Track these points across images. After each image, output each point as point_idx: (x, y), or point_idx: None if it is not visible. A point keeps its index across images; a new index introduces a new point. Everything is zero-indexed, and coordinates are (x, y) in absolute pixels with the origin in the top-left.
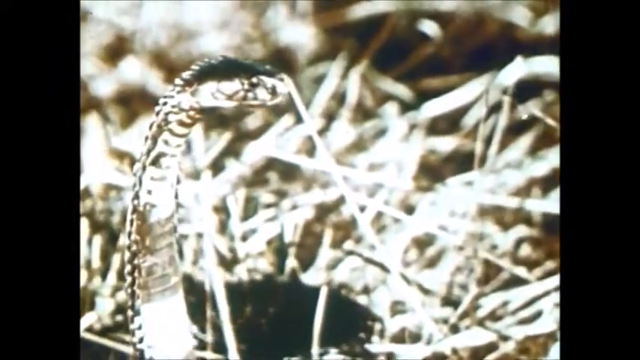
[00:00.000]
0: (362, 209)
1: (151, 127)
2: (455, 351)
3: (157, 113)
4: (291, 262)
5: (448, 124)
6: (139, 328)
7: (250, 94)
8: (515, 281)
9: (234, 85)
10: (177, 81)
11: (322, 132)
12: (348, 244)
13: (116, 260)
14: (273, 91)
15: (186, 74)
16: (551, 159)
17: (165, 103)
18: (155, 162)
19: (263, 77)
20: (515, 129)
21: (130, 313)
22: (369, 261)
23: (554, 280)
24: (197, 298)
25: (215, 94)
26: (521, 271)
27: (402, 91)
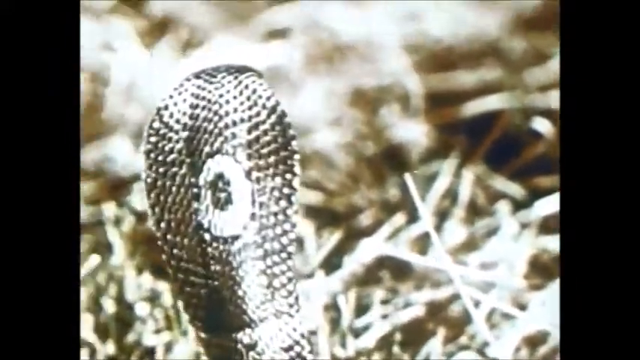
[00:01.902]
0: (476, 305)
1: None
2: None
3: None
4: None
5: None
6: None
7: None
8: None
9: None
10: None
11: (435, 230)
12: (462, 340)
13: None
14: None
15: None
16: None
17: None
18: None
19: None
20: None
21: None
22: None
23: None
24: None
25: None
26: None
27: (515, 189)
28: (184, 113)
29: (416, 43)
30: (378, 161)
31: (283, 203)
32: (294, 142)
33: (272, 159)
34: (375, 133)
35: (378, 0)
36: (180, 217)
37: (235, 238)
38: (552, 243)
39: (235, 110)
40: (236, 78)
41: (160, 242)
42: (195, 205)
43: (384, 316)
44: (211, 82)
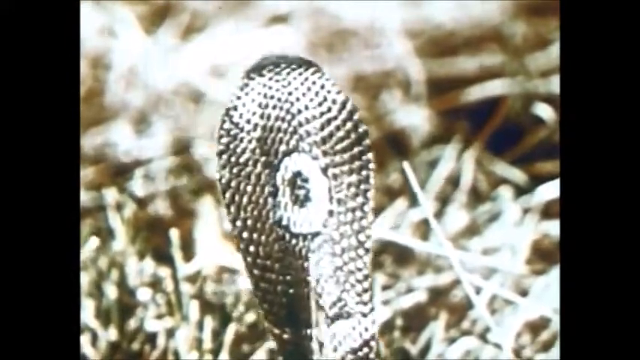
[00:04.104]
0: (477, 291)
1: None
2: None
3: None
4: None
5: None
6: None
7: None
8: None
9: None
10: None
11: (437, 215)
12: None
13: (227, 341)
14: None
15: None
16: None
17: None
18: None
19: None
20: None
21: None
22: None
23: None
24: None
25: None
26: None
27: (516, 174)
28: (254, 113)
29: (417, 29)
30: (380, 147)
31: (360, 199)
32: (367, 138)
33: (347, 155)
34: (377, 118)
35: None
36: (256, 214)
37: (314, 235)
38: (554, 228)
39: (307, 107)
40: (301, 74)
41: (235, 240)
42: (272, 202)
43: (386, 302)
44: (277, 80)
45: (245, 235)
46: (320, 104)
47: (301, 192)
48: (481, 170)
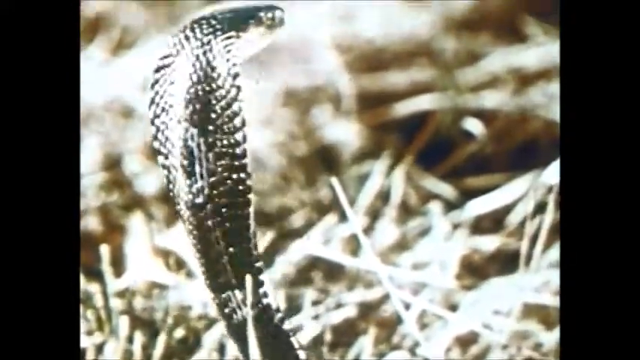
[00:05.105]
0: (407, 307)
1: None
2: None
3: None
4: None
5: (492, 223)
6: None
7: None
8: None
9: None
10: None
11: (367, 230)
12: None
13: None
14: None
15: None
16: None
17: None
18: None
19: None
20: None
21: None
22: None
23: None
24: None
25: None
26: None
27: (446, 189)
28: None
29: (348, 44)
30: (310, 161)
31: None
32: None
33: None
34: (307, 133)
35: (310, 0)
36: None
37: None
38: (484, 243)
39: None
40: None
41: None
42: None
43: (315, 317)
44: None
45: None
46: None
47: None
48: (411, 185)
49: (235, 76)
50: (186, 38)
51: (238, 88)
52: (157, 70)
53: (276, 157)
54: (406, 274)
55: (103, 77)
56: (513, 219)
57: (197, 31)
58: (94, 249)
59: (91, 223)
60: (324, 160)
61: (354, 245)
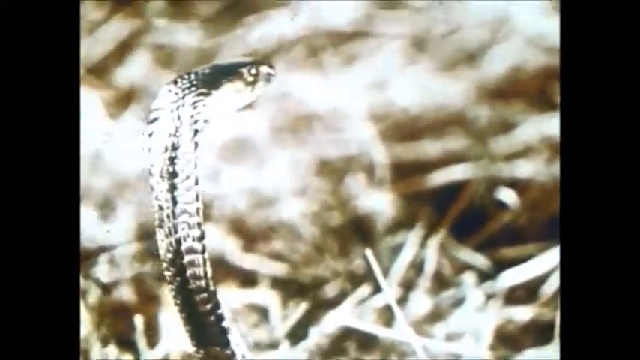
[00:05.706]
0: None
1: None
2: None
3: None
4: None
5: (526, 293)
6: None
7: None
8: None
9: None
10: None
11: (400, 301)
12: None
13: None
14: (268, 79)
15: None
16: None
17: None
18: None
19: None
20: None
21: None
22: None
23: None
24: None
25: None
26: None
27: (480, 260)
28: None
29: (381, 113)
30: (344, 232)
31: None
32: None
33: None
34: (341, 203)
35: (343, 69)
36: None
37: None
38: (517, 314)
39: None
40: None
41: None
42: None
43: None
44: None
45: None
46: None
47: None
48: (445, 255)
49: (195, 132)
50: (169, 92)
51: (196, 144)
52: (150, 123)
53: (309, 228)
54: (440, 345)
55: (137, 147)
56: (547, 289)
57: (178, 85)
58: (128, 319)
59: (125, 292)
60: (357, 230)
61: (387, 316)
